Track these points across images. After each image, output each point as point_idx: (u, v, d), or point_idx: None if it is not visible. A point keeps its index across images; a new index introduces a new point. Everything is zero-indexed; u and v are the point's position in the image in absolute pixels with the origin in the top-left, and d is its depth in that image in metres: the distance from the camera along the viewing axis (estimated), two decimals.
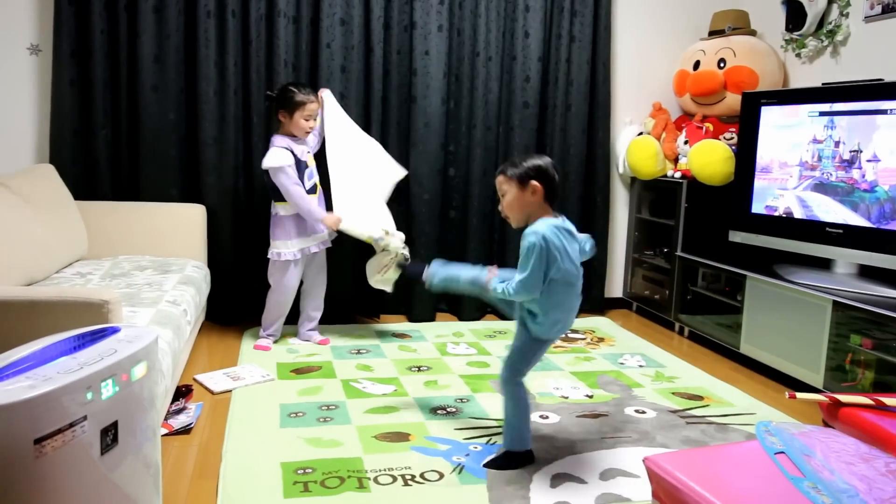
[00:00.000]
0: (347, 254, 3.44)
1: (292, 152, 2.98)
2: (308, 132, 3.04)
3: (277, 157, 2.94)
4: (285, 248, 3.04)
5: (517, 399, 2.10)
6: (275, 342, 3.17)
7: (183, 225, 3.19)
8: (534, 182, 2.02)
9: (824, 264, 3.05)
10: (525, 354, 2.10)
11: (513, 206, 2.06)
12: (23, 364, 1.28)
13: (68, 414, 1.22)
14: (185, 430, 2.26)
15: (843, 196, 2.84)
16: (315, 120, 3.06)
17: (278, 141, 3.00)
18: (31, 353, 1.32)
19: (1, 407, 1.14)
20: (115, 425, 1.33)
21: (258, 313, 3.23)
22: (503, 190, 2.07)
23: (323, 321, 3.31)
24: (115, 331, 1.48)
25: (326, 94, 3.12)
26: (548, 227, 2.00)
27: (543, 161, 2.07)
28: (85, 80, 3.15)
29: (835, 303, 2.64)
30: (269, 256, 3.08)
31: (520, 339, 2.11)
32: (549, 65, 3.72)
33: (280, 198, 3.01)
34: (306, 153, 3.07)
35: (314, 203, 3.02)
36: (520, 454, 2.10)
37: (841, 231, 2.83)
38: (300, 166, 3.00)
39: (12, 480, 1.16)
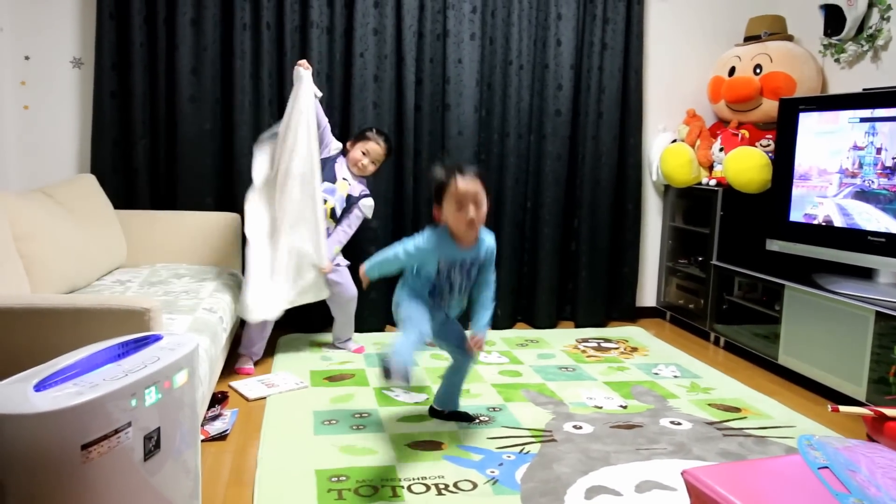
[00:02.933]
0: None
1: (334, 161, 3.06)
2: (360, 170, 3.07)
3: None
4: None
5: None
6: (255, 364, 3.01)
7: (218, 233, 3.24)
8: None
9: (866, 274, 2.98)
10: None
11: (485, 216, 2.12)
12: (70, 371, 1.31)
13: (113, 420, 1.24)
14: (221, 437, 2.29)
15: (886, 204, 2.77)
16: (372, 165, 3.08)
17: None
18: (77, 361, 1.35)
19: (50, 413, 1.17)
20: (157, 431, 1.36)
21: (292, 321, 3.26)
22: (479, 199, 2.08)
23: (354, 329, 3.32)
24: (157, 338, 1.51)
25: (304, 73, 2.83)
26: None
27: None
28: (125, 92, 3.23)
29: (878, 313, 2.58)
30: None
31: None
32: (582, 73, 3.71)
33: None
34: (341, 178, 3.06)
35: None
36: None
37: (883, 240, 2.77)
38: (326, 173, 3.00)
39: (60, 484, 1.19)
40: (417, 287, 2.21)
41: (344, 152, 3.11)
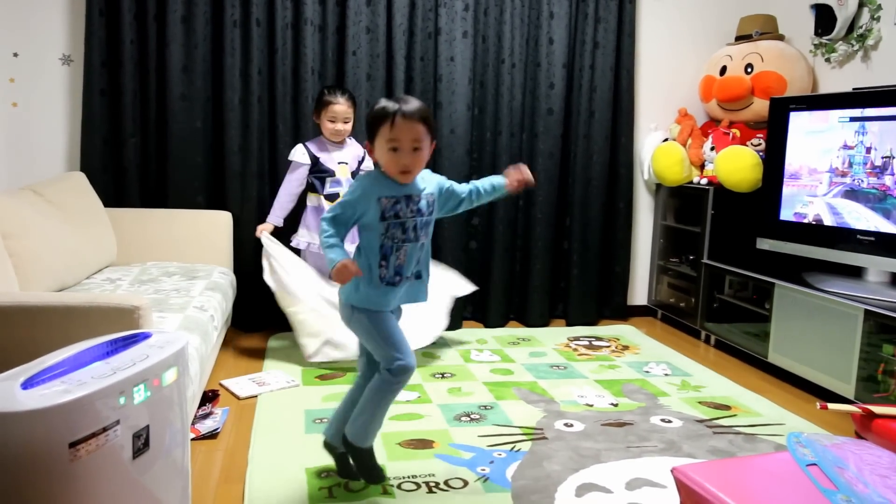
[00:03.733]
0: None
1: (317, 158, 3.07)
2: (337, 136, 3.08)
3: (293, 153, 3.11)
4: (297, 238, 3.15)
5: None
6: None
7: (209, 232, 3.23)
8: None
9: (855, 272, 3.00)
10: None
11: (424, 162, 1.83)
12: (58, 369, 1.30)
13: (102, 418, 1.24)
14: (212, 435, 2.28)
15: (875, 203, 2.79)
16: (345, 124, 3.06)
17: (309, 142, 3.13)
18: (65, 359, 1.34)
19: (37, 411, 1.16)
20: (146, 430, 1.35)
21: (282, 319, 3.24)
22: (420, 142, 1.78)
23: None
24: (146, 336, 1.50)
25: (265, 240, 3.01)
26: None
27: None
28: (115, 90, 3.21)
29: (866, 311, 2.59)
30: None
31: None
32: (574, 71, 3.72)
33: (311, 190, 3.12)
34: (337, 162, 3.10)
35: (285, 197, 3.11)
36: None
37: (873, 238, 2.78)
38: (323, 171, 3.08)
39: (48, 483, 1.18)
40: (367, 274, 1.81)
41: (319, 133, 3.13)
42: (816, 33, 3.48)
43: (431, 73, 3.53)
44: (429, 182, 1.90)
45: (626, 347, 3.44)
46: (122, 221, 3.11)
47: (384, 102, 1.80)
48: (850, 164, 2.88)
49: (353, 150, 3.17)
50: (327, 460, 2.10)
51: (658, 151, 3.75)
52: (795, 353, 2.94)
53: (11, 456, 1.16)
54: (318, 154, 3.09)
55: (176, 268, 3.00)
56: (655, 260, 4.03)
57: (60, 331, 1.68)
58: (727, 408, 2.67)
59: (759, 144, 3.49)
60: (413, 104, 1.77)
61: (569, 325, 3.84)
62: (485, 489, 1.97)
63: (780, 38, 3.66)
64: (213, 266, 3.11)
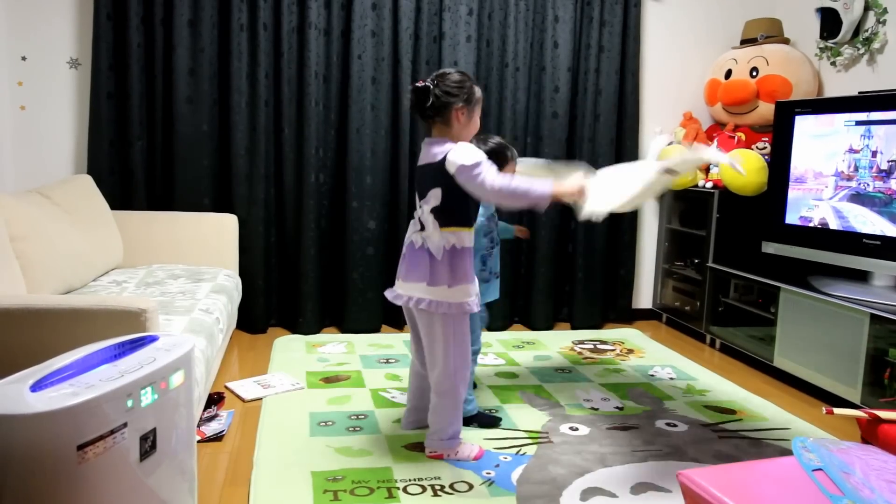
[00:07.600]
0: (374, 261, 3.48)
1: None
2: None
3: (473, 151, 2.00)
4: (470, 297, 2.06)
5: None
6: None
7: (215, 234, 3.24)
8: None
9: (861, 276, 3.00)
10: None
11: None
12: (66, 372, 1.31)
13: (109, 421, 1.24)
14: (217, 438, 2.28)
15: (881, 207, 2.78)
16: None
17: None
18: (73, 361, 1.35)
19: (45, 414, 1.16)
20: (153, 432, 1.36)
21: (287, 322, 3.26)
22: None
23: (350, 330, 3.31)
24: (153, 339, 1.51)
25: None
26: None
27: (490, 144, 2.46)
28: (122, 93, 3.22)
29: (872, 316, 2.58)
30: (440, 310, 2.04)
31: None
32: (578, 75, 3.72)
33: (457, 220, 2.04)
34: None
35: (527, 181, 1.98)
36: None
37: (878, 242, 2.78)
38: None
39: (56, 485, 1.19)
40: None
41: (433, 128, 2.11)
42: (822, 37, 3.48)
43: None
44: None
45: (631, 351, 3.43)
46: (129, 224, 3.12)
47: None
48: (856, 168, 2.88)
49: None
50: (332, 463, 2.11)
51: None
52: (801, 357, 2.93)
53: (20, 458, 1.17)
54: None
55: (182, 270, 3.01)
56: (660, 263, 4.03)
57: (67, 333, 1.69)
58: (732, 412, 2.66)
59: (765, 148, 3.48)
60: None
61: (573, 328, 3.84)
62: (490, 493, 1.97)
63: (786, 41, 3.66)
64: (219, 268, 3.12)
